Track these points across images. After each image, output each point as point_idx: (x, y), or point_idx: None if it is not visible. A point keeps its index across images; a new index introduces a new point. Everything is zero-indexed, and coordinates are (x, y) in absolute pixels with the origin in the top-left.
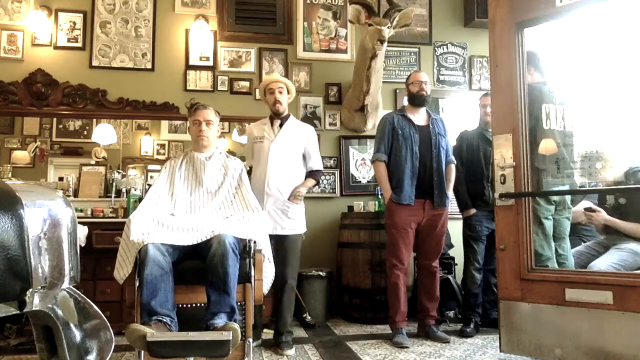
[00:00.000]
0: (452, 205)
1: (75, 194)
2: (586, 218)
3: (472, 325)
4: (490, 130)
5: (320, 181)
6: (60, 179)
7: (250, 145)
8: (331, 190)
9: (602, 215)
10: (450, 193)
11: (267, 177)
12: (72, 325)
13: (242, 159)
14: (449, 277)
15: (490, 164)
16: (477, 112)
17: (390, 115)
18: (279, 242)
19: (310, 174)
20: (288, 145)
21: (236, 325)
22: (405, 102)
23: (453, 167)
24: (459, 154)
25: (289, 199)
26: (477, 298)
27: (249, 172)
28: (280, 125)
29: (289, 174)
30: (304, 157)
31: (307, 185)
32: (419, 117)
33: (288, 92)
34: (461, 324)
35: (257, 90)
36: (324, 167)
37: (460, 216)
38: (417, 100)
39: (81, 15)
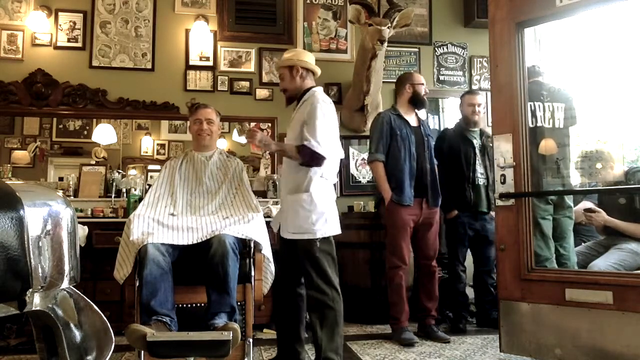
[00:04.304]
0: None
1: (75, 194)
2: (586, 218)
3: (463, 321)
4: (473, 129)
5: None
6: (60, 179)
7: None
8: None
9: (602, 216)
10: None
11: None
12: (72, 325)
13: (242, 158)
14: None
15: (471, 164)
16: (457, 112)
17: (385, 114)
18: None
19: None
20: None
21: (236, 325)
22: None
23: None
24: (439, 154)
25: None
26: (466, 297)
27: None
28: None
29: None
30: None
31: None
32: (412, 117)
33: None
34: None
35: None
36: None
37: None
38: (421, 102)
39: (81, 15)
